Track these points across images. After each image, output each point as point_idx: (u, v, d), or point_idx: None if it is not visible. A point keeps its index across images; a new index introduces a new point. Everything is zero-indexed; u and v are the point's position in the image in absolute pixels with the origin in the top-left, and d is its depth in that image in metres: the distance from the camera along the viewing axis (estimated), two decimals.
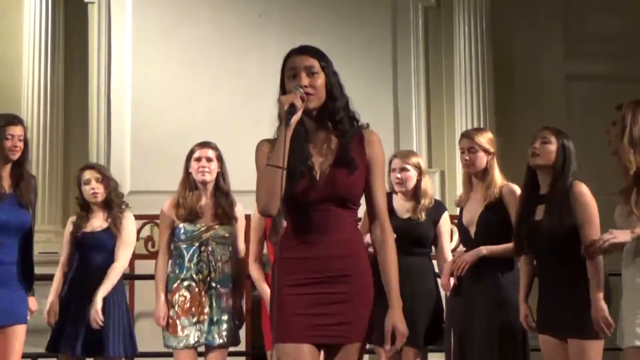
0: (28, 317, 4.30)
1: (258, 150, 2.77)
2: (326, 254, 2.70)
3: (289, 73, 2.74)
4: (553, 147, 3.98)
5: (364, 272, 2.77)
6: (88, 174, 4.80)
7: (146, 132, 7.32)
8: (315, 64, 2.74)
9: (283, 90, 2.77)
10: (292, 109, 2.63)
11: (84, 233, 4.72)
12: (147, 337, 4.99)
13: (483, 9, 7.74)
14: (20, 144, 4.20)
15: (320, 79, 2.74)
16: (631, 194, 3.34)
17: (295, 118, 2.63)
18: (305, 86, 2.70)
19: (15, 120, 4.26)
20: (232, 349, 5.38)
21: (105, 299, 4.58)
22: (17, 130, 4.19)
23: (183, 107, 7.41)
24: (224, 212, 4.52)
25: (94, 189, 4.75)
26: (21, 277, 4.18)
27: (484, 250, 4.15)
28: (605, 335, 3.76)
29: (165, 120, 7.32)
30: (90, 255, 4.70)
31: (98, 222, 4.77)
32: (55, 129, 7.26)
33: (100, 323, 4.52)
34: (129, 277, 5.60)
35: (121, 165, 7.36)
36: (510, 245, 4.13)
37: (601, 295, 3.74)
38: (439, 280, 4.57)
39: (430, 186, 4.63)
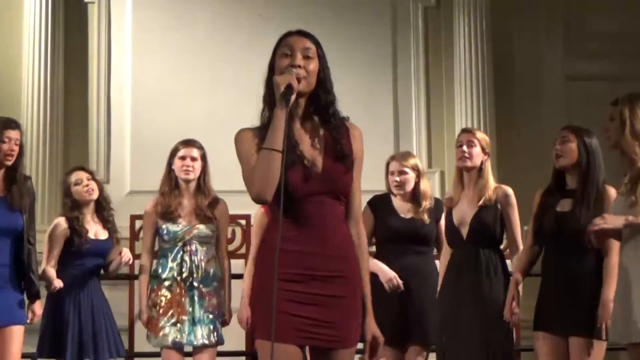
0: (32, 321, 4.30)
1: (240, 138, 2.61)
2: (323, 251, 2.54)
3: (283, 51, 2.61)
4: (573, 145, 3.97)
5: (356, 275, 2.63)
6: (77, 175, 4.71)
7: (146, 132, 7.32)
8: (312, 48, 2.62)
9: (271, 71, 2.63)
10: (290, 90, 2.48)
11: (88, 239, 4.63)
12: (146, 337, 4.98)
13: (483, 9, 7.74)
14: (16, 148, 4.19)
15: (314, 65, 2.60)
16: (637, 185, 3.32)
17: (292, 99, 2.49)
18: (299, 66, 2.56)
19: (12, 124, 4.25)
20: (231, 348, 5.38)
21: (89, 306, 4.57)
22: (13, 134, 4.18)
23: (183, 107, 7.40)
24: (203, 211, 4.50)
25: (89, 186, 4.67)
26: (16, 280, 4.18)
27: (519, 276, 4.13)
28: (606, 335, 3.75)
29: (165, 120, 7.31)
30: (88, 262, 4.65)
31: (96, 228, 4.70)
32: (55, 129, 7.26)
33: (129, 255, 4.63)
34: (129, 277, 5.60)
35: (121, 165, 7.37)
36: (516, 266, 4.17)
37: (612, 295, 3.72)
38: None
39: (429, 187, 4.63)
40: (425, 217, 4.48)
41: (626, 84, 6.87)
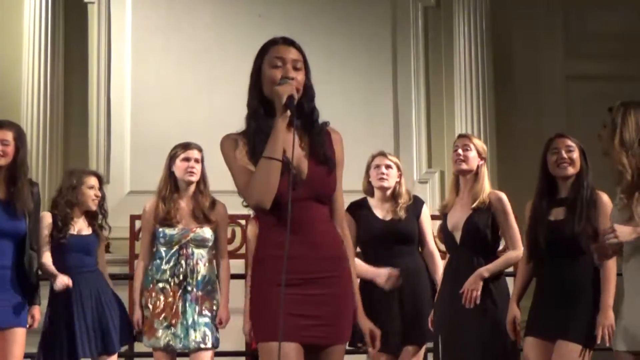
0: (32, 326, 4.29)
1: (227, 146, 2.72)
2: (314, 254, 2.63)
3: (274, 62, 2.70)
4: (578, 154, 3.98)
5: (348, 273, 2.73)
6: (94, 181, 4.72)
7: (146, 132, 7.33)
8: (301, 59, 2.71)
9: (256, 77, 2.75)
10: (292, 100, 2.59)
11: (70, 235, 4.61)
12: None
13: (483, 9, 7.74)
14: (9, 149, 4.17)
15: (301, 75, 2.70)
16: (632, 198, 3.29)
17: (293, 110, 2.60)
18: (292, 78, 2.65)
19: (2, 124, 4.23)
20: (232, 348, 5.38)
21: (98, 302, 4.58)
22: (4, 135, 4.16)
23: (183, 107, 7.41)
24: (203, 214, 4.51)
25: (98, 197, 4.70)
26: (17, 283, 4.18)
27: (485, 272, 4.14)
28: (602, 341, 3.75)
29: (165, 120, 7.32)
30: (76, 258, 4.60)
31: (81, 225, 4.67)
32: (55, 129, 7.26)
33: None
34: (128, 277, 5.61)
35: (121, 165, 7.38)
36: (502, 259, 4.18)
37: (612, 302, 3.72)
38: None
39: (405, 185, 4.64)
40: (403, 213, 4.48)
41: (626, 84, 6.90)
